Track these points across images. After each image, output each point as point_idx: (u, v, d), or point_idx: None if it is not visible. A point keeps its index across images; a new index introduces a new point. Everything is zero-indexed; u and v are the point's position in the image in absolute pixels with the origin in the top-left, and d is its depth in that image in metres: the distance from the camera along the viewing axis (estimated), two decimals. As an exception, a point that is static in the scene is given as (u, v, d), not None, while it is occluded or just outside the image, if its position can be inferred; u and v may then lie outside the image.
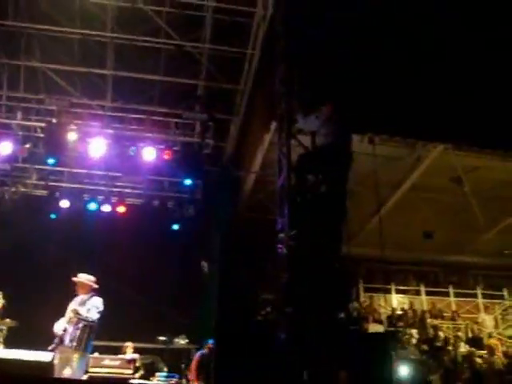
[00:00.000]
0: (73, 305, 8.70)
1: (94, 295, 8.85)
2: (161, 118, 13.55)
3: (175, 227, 14.82)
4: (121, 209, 14.49)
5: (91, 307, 8.64)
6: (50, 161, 13.03)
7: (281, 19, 9.89)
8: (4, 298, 11.15)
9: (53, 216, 14.49)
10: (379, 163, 11.29)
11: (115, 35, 12.54)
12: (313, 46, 9.20)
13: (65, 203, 14.29)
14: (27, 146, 13.03)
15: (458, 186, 12.13)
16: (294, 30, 9.49)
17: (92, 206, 14.37)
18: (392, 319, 15.61)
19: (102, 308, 8.69)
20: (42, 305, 11.71)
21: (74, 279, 8.90)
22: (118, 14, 12.36)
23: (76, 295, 8.88)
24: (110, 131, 13.16)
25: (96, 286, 8.97)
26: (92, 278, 9.02)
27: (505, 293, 16.83)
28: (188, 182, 13.91)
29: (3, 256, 13.04)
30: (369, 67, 9.79)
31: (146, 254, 14.20)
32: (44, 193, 14.54)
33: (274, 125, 10.15)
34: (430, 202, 13.39)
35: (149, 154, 13.01)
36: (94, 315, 8.59)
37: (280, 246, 7.37)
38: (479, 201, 12.50)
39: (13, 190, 14.36)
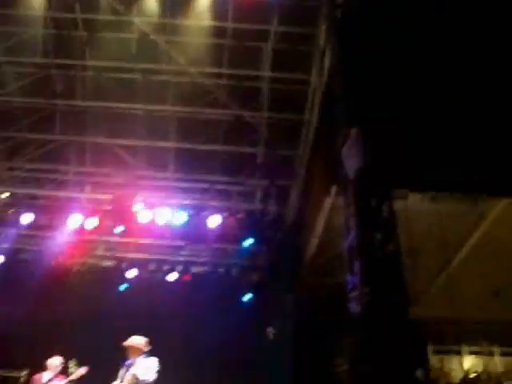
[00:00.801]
0: (130, 370, 8.69)
1: (147, 356, 8.81)
2: (223, 187, 13.89)
3: (246, 298, 14.79)
4: (186, 278, 14.70)
5: (147, 368, 8.62)
6: (118, 229, 13.44)
7: (337, 85, 10.15)
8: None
9: (122, 287, 14.77)
10: (442, 220, 11.22)
11: (176, 109, 13.08)
12: (372, 108, 9.38)
13: (131, 273, 14.61)
14: (95, 218, 13.47)
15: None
16: (350, 94, 9.73)
17: (158, 276, 14.63)
18: (465, 383, 15.11)
19: (158, 368, 8.68)
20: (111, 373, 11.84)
21: (126, 344, 8.88)
22: (178, 89, 12.94)
23: (127, 359, 8.85)
24: (174, 201, 13.53)
25: (147, 349, 8.90)
26: (143, 339, 8.96)
27: None
28: (250, 244, 14.02)
29: (73, 326, 13.31)
30: (426, 127, 9.92)
31: (212, 321, 14.20)
32: (111, 264, 14.91)
33: (334, 188, 10.28)
34: (497, 258, 13.08)
35: (212, 222, 13.30)
36: (152, 376, 8.58)
37: (352, 304, 7.39)
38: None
39: (81, 261, 14.78)
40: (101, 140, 13.57)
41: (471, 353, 16.18)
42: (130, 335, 9.03)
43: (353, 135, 8.73)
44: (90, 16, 12.35)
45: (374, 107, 9.42)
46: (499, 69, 10.17)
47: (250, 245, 13.96)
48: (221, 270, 14.73)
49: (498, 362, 16.08)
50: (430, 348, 15.84)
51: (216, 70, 12.92)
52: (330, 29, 10.96)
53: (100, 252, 14.98)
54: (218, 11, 12.14)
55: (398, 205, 9.43)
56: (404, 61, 10.19)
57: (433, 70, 10.31)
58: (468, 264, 12.95)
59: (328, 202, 11.07)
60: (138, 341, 8.95)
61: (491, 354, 16.18)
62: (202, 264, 15.06)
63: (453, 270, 12.91)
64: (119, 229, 13.43)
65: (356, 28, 10.21)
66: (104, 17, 12.27)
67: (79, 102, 13.09)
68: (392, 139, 9.40)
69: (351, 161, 8.79)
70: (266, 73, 12.85)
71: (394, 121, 9.69)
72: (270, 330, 14.24)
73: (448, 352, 15.98)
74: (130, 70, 12.96)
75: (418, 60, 10.26)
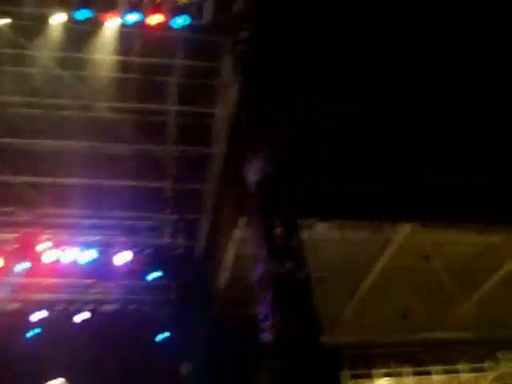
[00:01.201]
0: None
1: None
2: (131, 222, 13.70)
3: (160, 335, 14.45)
4: (97, 314, 14.31)
5: None
6: (20, 268, 12.98)
7: (243, 117, 10.31)
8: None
9: (29, 334, 14.17)
10: (350, 249, 11.52)
11: (81, 144, 12.87)
12: (277, 139, 9.56)
13: (39, 315, 14.08)
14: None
15: (429, 263, 12.33)
16: (256, 127, 9.90)
17: (67, 317, 14.15)
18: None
19: None
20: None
21: None
22: (82, 124, 12.74)
23: None
24: (81, 239, 13.24)
25: None
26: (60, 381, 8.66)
27: (487, 364, 16.77)
28: (156, 278, 13.88)
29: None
30: (331, 157, 10.22)
31: (125, 360, 13.85)
32: (16, 306, 14.33)
33: (243, 220, 10.37)
34: (403, 283, 13.50)
35: (121, 258, 13.10)
36: None
37: (265, 334, 7.41)
38: (450, 275, 12.68)
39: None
40: (3, 177, 13.12)
41: (384, 375, 16.52)
42: (40, 381, 8.72)
43: (258, 165, 8.87)
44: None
45: (279, 137, 9.62)
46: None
47: (156, 278, 13.82)
48: (132, 307, 14.42)
49: (408, 382, 16.51)
50: (345, 373, 16.06)
51: (121, 105, 12.81)
52: (234, 62, 11.18)
53: (4, 294, 14.35)
54: (123, 45, 12.07)
55: (306, 234, 9.65)
56: (307, 91, 10.50)
57: (339, 104, 10.69)
58: (376, 289, 13.31)
59: (237, 233, 11.14)
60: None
61: (402, 374, 16.60)
62: (113, 302, 14.71)
63: (361, 296, 13.22)
64: (22, 267, 12.95)
65: (260, 60, 10.47)
66: (4, 50, 11.95)
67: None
68: (298, 169, 9.62)
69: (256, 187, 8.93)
70: (172, 107, 12.85)
71: (301, 151, 9.94)
72: (185, 367, 14.02)
73: (361, 376, 16.24)
74: (34, 105, 12.64)
75: (321, 93, 10.60)
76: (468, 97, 10.78)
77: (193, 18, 11.18)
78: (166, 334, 14.29)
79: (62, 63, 12.05)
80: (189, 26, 11.23)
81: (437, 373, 16.47)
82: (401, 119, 10.60)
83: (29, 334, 14.17)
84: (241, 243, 11.15)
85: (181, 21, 11.09)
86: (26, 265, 13.00)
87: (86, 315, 14.27)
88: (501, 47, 10.41)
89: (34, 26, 11.50)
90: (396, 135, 10.76)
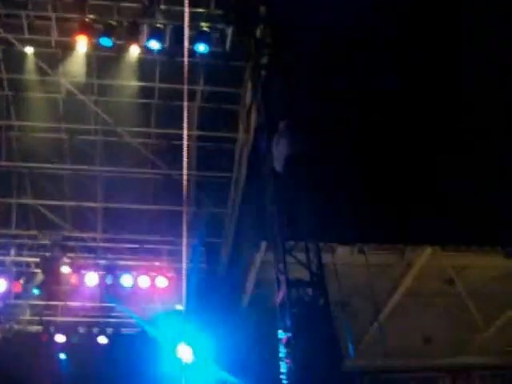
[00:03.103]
0: None
1: None
2: (153, 246, 13.77)
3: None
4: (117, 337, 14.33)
5: None
6: (36, 291, 13.08)
7: (264, 144, 10.33)
8: None
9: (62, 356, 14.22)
10: (371, 272, 11.44)
11: (103, 168, 13.00)
12: (296, 167, 9.56)
13: (60, 338, 14.15)
14: (21, 281, 13.10)
15: (451, 287, 12.21)
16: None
17: (89, 339, 14.20)
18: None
19: None
20: None
21: None
22: (105, 149, 12.89)
23: None
24: (103, 262, 13.33)
25: None
26: None
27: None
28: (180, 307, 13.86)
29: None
30: (348, 186, 10.22)
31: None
32: (39, 329, 14.42)
33: (264, 244, 10.37)
34: (425, 306, 13.39)
35: (143, 282, 13.17)
36: None
37: (287, 360, 7.36)
38: (474, 299, 12.53)
39: (6, 327, 14.23)
40: (26, 201, 13.30)
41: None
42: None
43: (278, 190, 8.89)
44: (15, 76, 12.22)
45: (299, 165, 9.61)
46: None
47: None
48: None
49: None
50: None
51: (144, 130, 12.96)
52: (253, 87, 11.26)
53: (27, 317, 14.47)
54: (145, 71, 12.22)
55: (328, 258, 9.63)
56: (328, 121, 10.54)
57: (355, 129, 10.71)
58: (397, 314, 13.18)
59: (258, 257, 11.14)
60: None
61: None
62: (133, 326, 14.70)
63: (383, 320, 13.08)
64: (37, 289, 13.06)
65: (281, 85, 10.54)
66: (30, 76, 12.14)
67: (3, 162, 12.84)
68: (317, 194, 9.61)
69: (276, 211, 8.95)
70: (194, 131, 12.95)
71: (319, 175, 9.93)
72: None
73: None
74: (57, 130, 12.83)
75: (340, 123, 10.62)
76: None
77: (214, 44, 11.28)
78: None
79: (86, 89, 12.22)
80: (210, 52, 11.34)
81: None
82: (413, 141, 10.61)
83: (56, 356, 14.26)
84: (262, 267, 11.14)
85: (202, 47, 11.18)
86: (48, 287, 13.08)
87: (106, 338, 14.28)
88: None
89: (59, 53, 11.69)
90: (413, 157, 10.75)
